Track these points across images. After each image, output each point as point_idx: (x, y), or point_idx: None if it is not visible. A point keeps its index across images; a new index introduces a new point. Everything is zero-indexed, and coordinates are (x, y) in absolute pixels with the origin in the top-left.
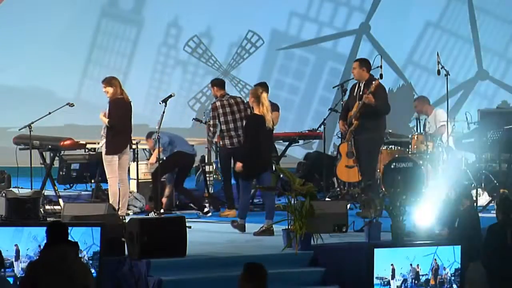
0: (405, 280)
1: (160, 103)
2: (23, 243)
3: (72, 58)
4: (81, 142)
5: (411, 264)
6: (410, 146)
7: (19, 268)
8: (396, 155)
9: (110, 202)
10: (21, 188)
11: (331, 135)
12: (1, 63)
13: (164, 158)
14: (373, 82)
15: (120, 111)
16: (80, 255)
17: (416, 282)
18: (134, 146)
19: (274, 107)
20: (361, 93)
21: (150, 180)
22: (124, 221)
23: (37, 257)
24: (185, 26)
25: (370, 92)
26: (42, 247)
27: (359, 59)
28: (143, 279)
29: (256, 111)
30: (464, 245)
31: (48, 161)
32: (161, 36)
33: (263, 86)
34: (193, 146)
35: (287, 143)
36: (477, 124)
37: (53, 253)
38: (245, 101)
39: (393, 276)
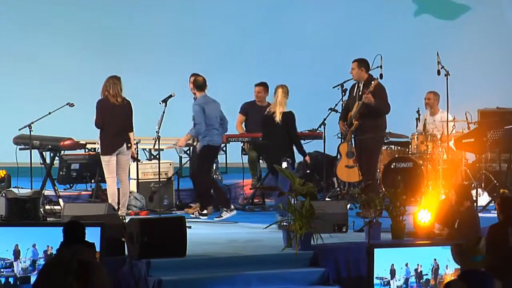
0: (405, 280)
1: (160, 103)
2: (23, 243)
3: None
4: (81, 142)
5: (407, 264)
6: (410, 146)
7: (19, 268)
8: (396, 155)
9: (109, 202)
10: (21, 188)
11: (331, 135)
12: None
13: (196, 144)
14: (372, 82)
15: (102, 112)
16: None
17: (416, 282)
18: (134, 146)
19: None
20: (360, 93)
21: (150, 180)
22: (124, 221)
23: (53, 256)
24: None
25: (369, 92)
26: (39, 247)
27: (358, 59)
28: (143, 279)
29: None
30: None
31: (48, 161)
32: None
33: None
34: (220, 134)
35: None
36: (477, 124)
37: (68, 253)
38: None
39: (393, 276)
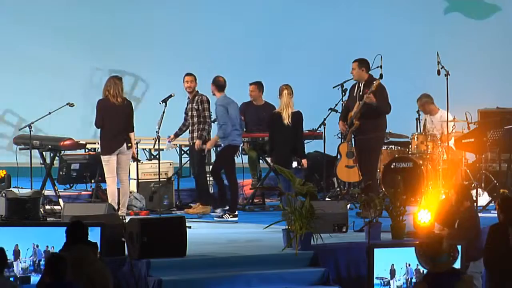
0: (405, 280)
1: (160, 103)
2: (23, 243)
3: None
4: (81, 142)
5: (409, 264)
6: (410, 146)
7: (19, 268)
8: (396, 155)
9: (109, 202)
10: (21, 188)
11: (331, 135)
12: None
13: (222, 145)
14: (374, 82)
15: (102, 112)
16: None
17: (416, 282)
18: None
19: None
20: (361, 93)
21: (150, 180)
22: (124, 221)
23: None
24: None
25: (371, 92)
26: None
27: (358, 60)
28: (143, 279)
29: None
30: (465, 245)
31: (48, 161)
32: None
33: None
34: (240, 134)
35: None
36: (477, 124)
37: (72, 253)
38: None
39: (393, 276)
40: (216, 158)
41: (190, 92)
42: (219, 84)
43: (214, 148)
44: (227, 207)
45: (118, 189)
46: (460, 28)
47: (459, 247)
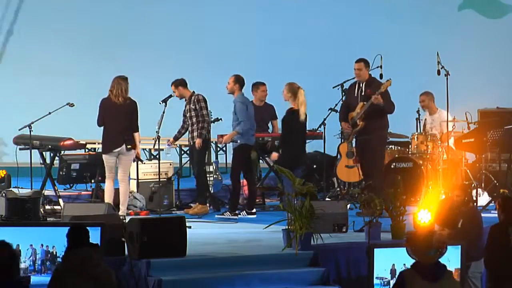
0: None
1: (160, 103)
2: (23, 243)
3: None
4: (81, 142)
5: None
6: (410, 146)
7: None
8: (396, 155)
9: (106, 201)
10: (21, 188)
11: (331, 135)
12: None
13: (238, 141)
14: (383, 83)
15: (103, 111)
16: None
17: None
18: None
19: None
20: (362, 93)
21: (150, 180)
22: (124, 221)
23: (62, 261)
24: None
25: (379, 93)
26: (64, 251)
27: (364, 60)
28: (143, 279)
29: (293, 106)
30: (466, 245)
31: (48, 161)
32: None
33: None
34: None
35: None
36: (477, 124)
37: (78, 257)
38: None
39: (393, 276)
40: (234, 162)
41: (180, 98)
42: (242, 83)
43: (214, 148)
44: (254, 210)
45: (116, 189)
46: (468, 27)
47: (458, 247)
